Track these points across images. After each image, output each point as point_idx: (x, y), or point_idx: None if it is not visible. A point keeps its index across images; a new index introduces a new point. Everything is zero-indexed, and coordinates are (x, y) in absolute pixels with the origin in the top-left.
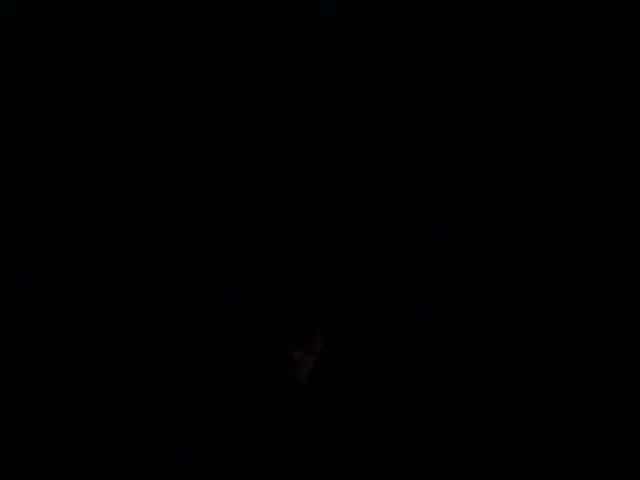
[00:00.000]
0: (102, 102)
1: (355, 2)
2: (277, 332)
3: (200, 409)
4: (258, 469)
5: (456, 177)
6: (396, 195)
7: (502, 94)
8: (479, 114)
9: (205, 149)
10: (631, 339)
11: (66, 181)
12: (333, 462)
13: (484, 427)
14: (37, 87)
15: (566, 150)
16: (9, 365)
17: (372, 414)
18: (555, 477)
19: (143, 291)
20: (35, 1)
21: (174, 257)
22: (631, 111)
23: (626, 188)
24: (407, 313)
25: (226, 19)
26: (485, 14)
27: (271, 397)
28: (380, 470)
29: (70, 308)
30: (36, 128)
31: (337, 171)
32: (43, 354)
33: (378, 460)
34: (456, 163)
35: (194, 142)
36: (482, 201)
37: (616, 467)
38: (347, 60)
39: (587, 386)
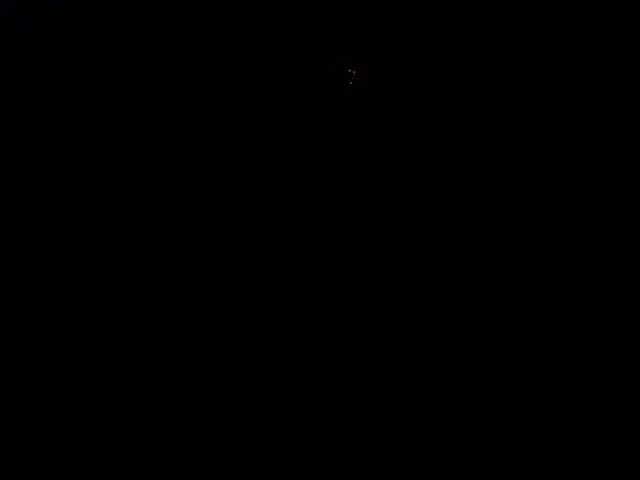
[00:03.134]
0: (102, 101)
1: None
2: None
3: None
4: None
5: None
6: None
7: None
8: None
9: (203, 148)
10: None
11: (63, 181)
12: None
13: (484, 426)
14: (38, 87)
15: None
16: (9, 365)
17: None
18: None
19: (145, 289)
20: (35, 1)
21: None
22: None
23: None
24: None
25: (226, 19)
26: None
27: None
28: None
29: (72, 307)
30: (35, 127)
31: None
32: (44, 354)
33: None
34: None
35: (193, 142)
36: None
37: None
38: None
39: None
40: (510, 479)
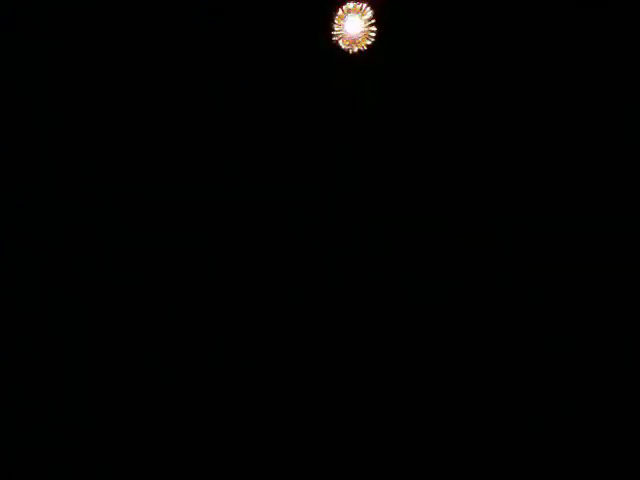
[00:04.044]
0: (102, 100)
1: None
2: None
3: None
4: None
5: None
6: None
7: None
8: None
9: (202, 147)
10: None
11: (63, 181)
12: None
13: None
14: (38, 87)
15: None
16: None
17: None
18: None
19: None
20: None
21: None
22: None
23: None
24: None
25: (226, 19)
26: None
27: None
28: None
29: (72, 307)
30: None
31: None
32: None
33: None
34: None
35: (192, 141)
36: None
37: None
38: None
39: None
40: (510, 479)
